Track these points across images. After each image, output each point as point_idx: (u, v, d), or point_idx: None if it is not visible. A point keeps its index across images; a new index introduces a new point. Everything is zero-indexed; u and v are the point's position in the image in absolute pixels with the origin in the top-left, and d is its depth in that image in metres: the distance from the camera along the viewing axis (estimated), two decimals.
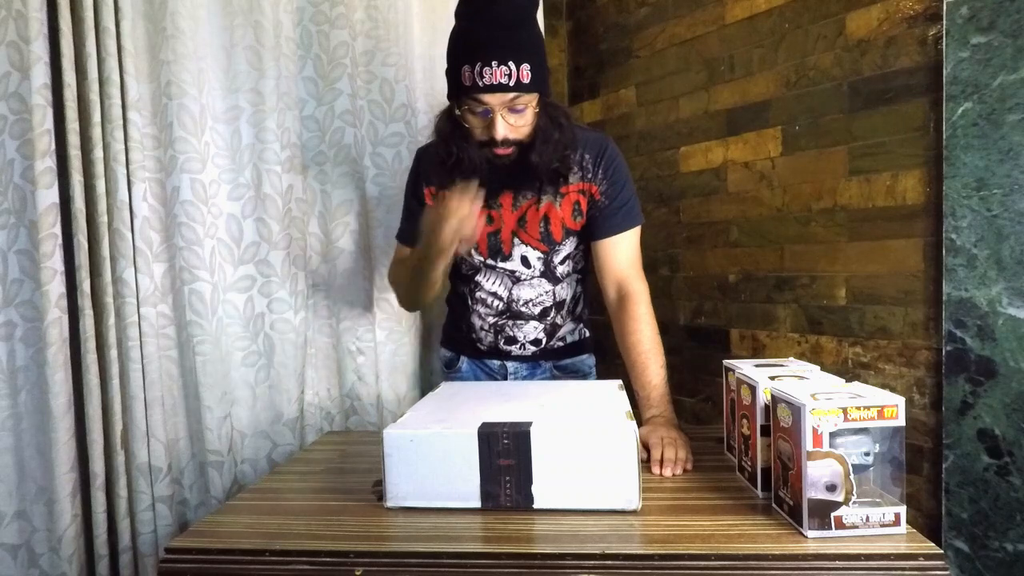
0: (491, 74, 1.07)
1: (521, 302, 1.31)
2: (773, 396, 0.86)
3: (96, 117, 1.27)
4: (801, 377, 0.95)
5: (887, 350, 1.43)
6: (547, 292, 1.31)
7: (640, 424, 1.11)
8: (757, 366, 1.04)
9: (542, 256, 1.29)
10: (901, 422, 0.78)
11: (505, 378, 1.41)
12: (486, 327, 1.35)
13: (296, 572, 0.79)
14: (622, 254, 1.26)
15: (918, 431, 1.38)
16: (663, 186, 1.93)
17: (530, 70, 1.09)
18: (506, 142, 1.13)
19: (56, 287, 1.22)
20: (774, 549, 0.76)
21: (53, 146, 1.21)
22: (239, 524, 0.90)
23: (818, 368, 1.03)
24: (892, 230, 1.41)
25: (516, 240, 1.27)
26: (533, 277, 1.29)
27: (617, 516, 0.88)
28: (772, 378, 0.93)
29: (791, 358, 1.17)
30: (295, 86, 1.53)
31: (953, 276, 1.29)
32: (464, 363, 1.43)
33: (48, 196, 1.21)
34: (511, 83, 1.08)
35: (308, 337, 1.57)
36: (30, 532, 1.26)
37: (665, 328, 1.94)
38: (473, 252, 1.29)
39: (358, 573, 0.78)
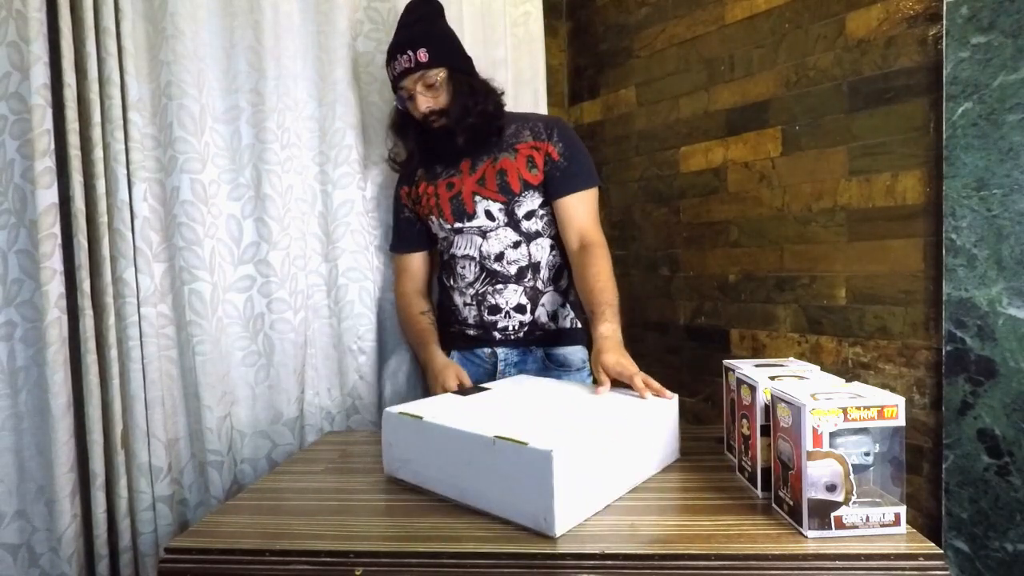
0: (398, 63, 1.36)
1: (492, 257, 1.41)
2: (773, 396, 0.86)
3: (96, 117, 1.26)
4: (801, 377, 0.95)
5: (887, 350, 1.43)
6: (516, 247, 1.41)
7: (593, 333, 1.25)
8: (757, 366, 1.04)
9: (503, 206, 1.40)
10: (901, 422, 0.78)
11: (495, 367, 1.44)
12: (468, 300, 1.44)
13: (296, 572, 0.79)
14: (583, 210, 1.40)
15: (918, 431, 1.38)
16: (663, 186, 1.93)
17: (427, 52, 1.34)
18: (432, 112, 1.37)
19: (55, 287, 1.22)
20: (774, 549, 0.77)
21: (52, 146, 1.21)
22: (239, 524, 0.90)
23: (818, 368, 1.03)
24: (892, 230, 1.41)
25: (477, 197, 1.41)
26: (498, 228, 1.41)
27: (617, 516, 0.88)
28: (772, 378, 0.93)
29: (791, 358, 1.17)
30: (295, 86, 1.53)
31: (953, 276, 1.29)
32: (454, 357, 1.48)
33: (47, 196, 1.20)
34: (412, 65, 1.35)
35: (308, 337, 1.57)
36: (30, 532, 1.26)
37: (665, 328, 1.95)
38: (442, 222, 1.44)
39: (358, 573, 0.78)
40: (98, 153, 1.27)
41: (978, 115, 1.24)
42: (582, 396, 1.11)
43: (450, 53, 1.39)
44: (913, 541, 0.77)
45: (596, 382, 1.16)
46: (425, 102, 1.36)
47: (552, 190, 1.41)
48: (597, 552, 0.77)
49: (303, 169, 1.56)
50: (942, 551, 0.76)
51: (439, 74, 1.36)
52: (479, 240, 1.42)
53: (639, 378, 1.11)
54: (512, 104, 1.92)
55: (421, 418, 0.97)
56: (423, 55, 1.34)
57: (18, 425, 1.24)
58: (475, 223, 1.42)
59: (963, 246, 1.27)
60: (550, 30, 2.12)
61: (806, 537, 0.78)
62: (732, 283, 1.75)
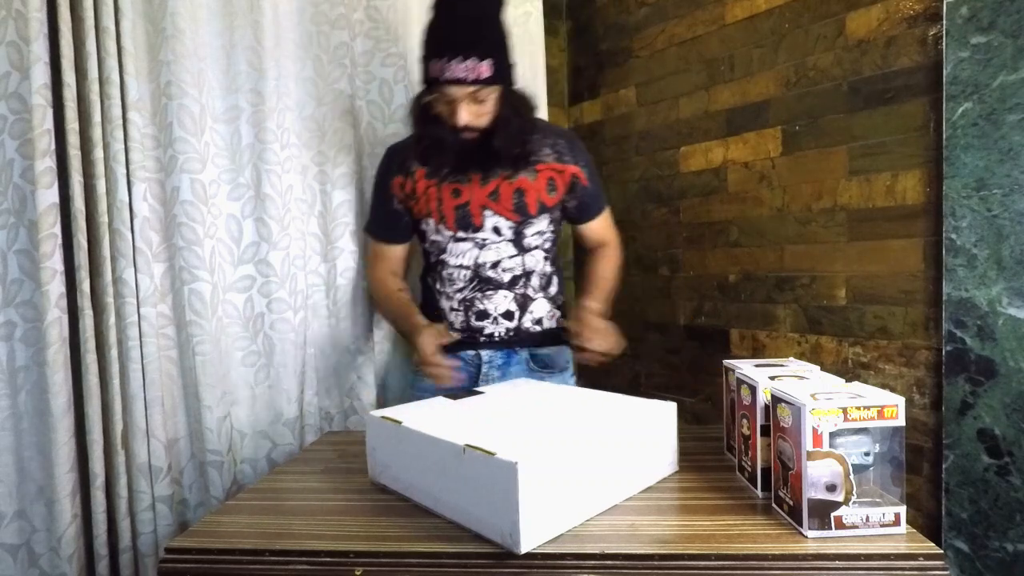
0: (454, 68, 1.16)
1: (488, 266, 1.36)
2: (773, 396, 0.86)
3: (96, 117, 1.26)
4: (801, 377, 0.95)
5: (887, 350, 1.43)
6: (512, 257, 1.36)
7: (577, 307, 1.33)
8: (757, 366, 1.04)
9: (513, 225, 1.35)
10: (901, 422, 0.78)
11: (479, 368, 1.39)
12: (455, 306, 1.38)
13: (296, 572, 0.79)
14: (604, 225, 1.47)
15: (918, 431, 1.38)
16: (663, 186, 1.93)
17: (491, 64, 1.18)
18: (467, 128, 1.23)
19: (56, 287, 1.22)
20: (774, 549, 0.76)
21: (53, 146, 1.21)
22: (239, 524, 0.90)
23: (818, 368, 1.03)
24: (892, 230, 1.41)
25: (487, 212, 1.34)
26: (501, 242, 1.36)
27: (617, 516, 0.88)
28: (772, 378, 0.93)
29: (791, 358, 1.17)
30: (295, 86, 1.53)
31: (953, 276, 1.29)
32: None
33: (48, 196, 1.21)
34: (471, 77, 1.17)
35: (307, 337, 1.57)
36: (30, 532, 1.26)
37: (665, 328, 1.95)
38: (442, 228, 1.36)
39: (358, 573, 0.78)
40: (98, 153, 1.27)
41: (978, 115, 1.24)
42: (577, 403, 1.07)
43: (508, 67, 1.24)
44: (913, 541, 0.77)
45: (573, 339, 1.25)
46: (467, 117, 1.21)
47: (579, 215, 1.43)
48: (597, 552, 0.77)
49: (303, 169, 1.56)
50: (942, 551, 0.76)
51: (493, 92, 1.21)
52: (476, 251, 1.35)
53: (587, 340, 1.20)
54: None
55: (400, 423, 0.96)
56: (486, 68, 1.17)
57: (17, 425, 1.24)
58: (479, 235, 1.35)
59: (963, 246, 1.27)
60: (550, 30, 2.12)
61: (806, 537, 0.78)
62: (732, 283, 1.75)
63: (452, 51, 1.16)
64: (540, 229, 1.37)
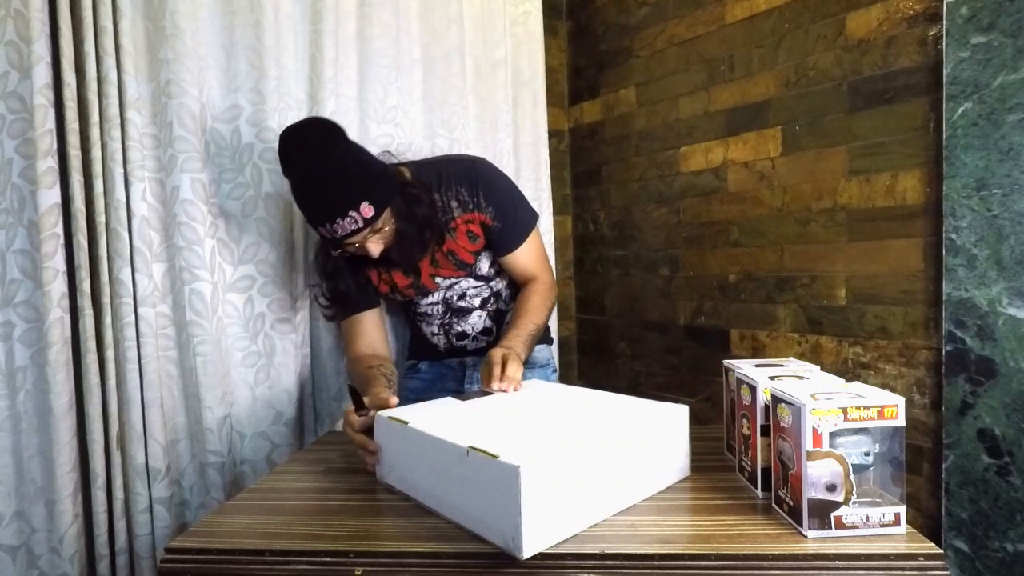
0: (341, 227, 1.16)
1: (456, 298, 1.45)
2: (773, 396, 0.86)
3: (94, 117, 1.26)
4: (801, 377, 0.95)
5: (887, 350, 1.43)
6: (477, 287, 1.45)
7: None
8: (757, 366, 1.04)
9: (464, 275, 1.44)
10: (901, 422, 0.78)
11: (463, 372, 1.49)
12: (435, 331, 1.49)
13: (296, 572, 0.79)
14: (525, 258, 1.41)
15: (918, 431, 1.38)
16: (663, 186, 1.93)
17: (370, 204, 1.16)
18: (382, 252, 1.25)
19: (58, 287, 1.22)
20: (774, 549, 0.76)
21: (55, 146, 1.21)
22: (239, 524, 0.90)
23: (818, 368, 1.03)
24: (892, 230, 1.41)
25: (437, 278, 1.42)
26: (461, 281, 1.44)
27: (617, 516, 0.87)
28: (772, 378, 0.93)
29: (791, 358, 1.17)
30: (295, 86, 1.53)
31: (953, 276, 1.29)
32: (424, 364, 1.55)
33: (50, 196, 1.20)
34: (360, 224, 1.17)
35: (305, 336, 1.57)
36: (29, 533, 1.26)
37: (665, 328, 1.95)
38: (403, 298, 1.46)
39: (358, 573, 0.78)
40: (96, 153, 1.27)
41: (978, 115, 1.24)
42: (587, 406, 1.06)
43: (385, 186, 1.21)
44: (913, 541, 0.77)
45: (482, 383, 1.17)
46: (377, 247, 1.23)
47: (494, 250, 1.41)
48: (597, 552, 0.77)
49: None
50: (942, 551, 0.76)
51: (385, 215, 1.21)
52: (443, 292, 1.45)
53: (498, 368, 1.12)
54: (512, 104, 1.93)
55: (407, 424, 0.95)
56: (367, 210, 1.16)
57: (16, 426, 1.24)
58: (440, 289, 1.44)
59: (963, 246, 1.27)
60: (550, 30, 2.12)
61: (806, 537, 0.78)
62: (732, 283, 1.75)
63: (330, 217, 1.16)
64: (489, 263, 1.44)
